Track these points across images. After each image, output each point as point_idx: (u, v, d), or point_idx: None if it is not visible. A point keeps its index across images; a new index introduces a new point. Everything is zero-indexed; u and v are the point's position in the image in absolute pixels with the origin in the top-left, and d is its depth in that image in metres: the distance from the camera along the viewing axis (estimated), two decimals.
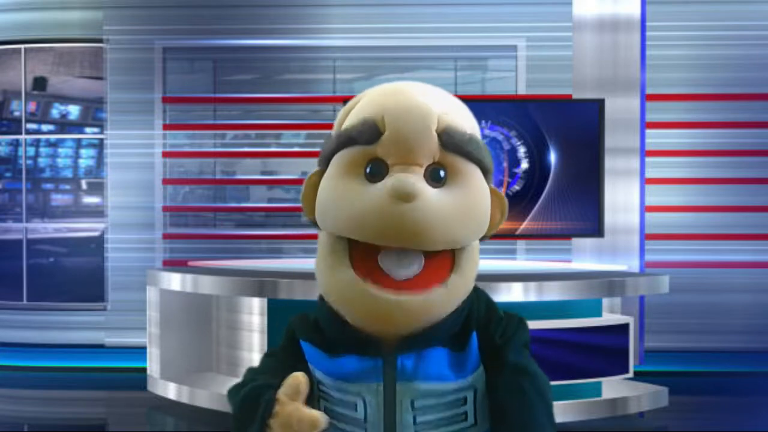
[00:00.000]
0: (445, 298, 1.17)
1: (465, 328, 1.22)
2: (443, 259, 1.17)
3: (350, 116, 1.22)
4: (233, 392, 1.24)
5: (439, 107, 1.18)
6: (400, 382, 1.20)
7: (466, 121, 1.21)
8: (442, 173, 1.16)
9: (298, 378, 1.07)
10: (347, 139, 1.18)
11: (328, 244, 1.19)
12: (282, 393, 1.08)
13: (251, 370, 1.30)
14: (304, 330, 1.27)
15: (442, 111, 1.18)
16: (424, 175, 1.15)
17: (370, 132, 1.16)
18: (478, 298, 1.26)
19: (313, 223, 1.24)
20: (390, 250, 1.14)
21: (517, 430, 1.18)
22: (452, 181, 1.17)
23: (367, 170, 1.16)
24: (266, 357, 1.33)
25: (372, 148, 1.16)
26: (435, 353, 1.20)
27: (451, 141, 1.16)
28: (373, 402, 1.21)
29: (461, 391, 1.22)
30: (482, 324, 1.23)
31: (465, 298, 1.23)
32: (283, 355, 1.30)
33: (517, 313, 1.28)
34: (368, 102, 1.21)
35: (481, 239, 1.25)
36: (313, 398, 1.26)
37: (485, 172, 1.23)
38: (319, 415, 1.06)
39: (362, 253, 1.16)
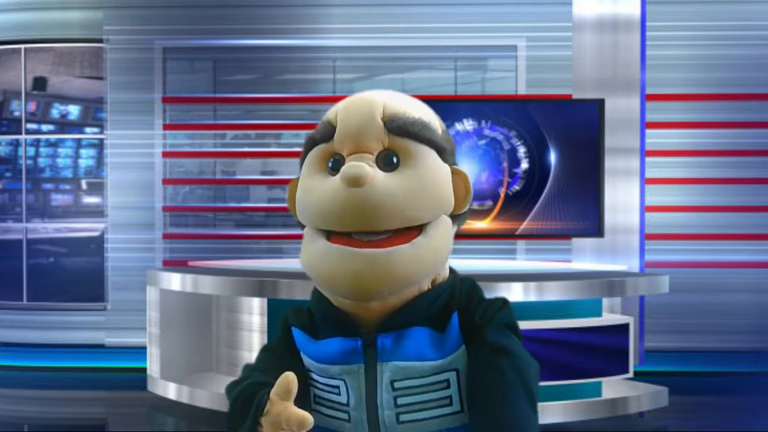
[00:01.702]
0: (410, 255, 1.20)
1: (446, 309, 1.25)
2: (411, 232, 1.23)
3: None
4: (230, 389, 1.27)
5: (387, 99, 1.26)
6: (380, 362, 1.24)
7: (414, 110, 1.27)
8: (394, 158, 1.23)
9: (288, 378, 1.10)
10: (311, 141, 1.30)
11: (308, 235, 1.28)
12: (273, 393, 1.11)
13: (247, 367, 1.34)
14: (296, 317, 1.34)
15: (387, 102, 1.26)
16: (376, 161, 1.23)
17: (325, 130, 1.27)
18: (461, 283, 1.30)
19: (300, 224, 1.32)
20: (359, 235, 1.21)
21: (492, 407, 1.18)
22: (405, 164, 1.23)
23: (330, 165, 1.26)
24: (263, 352, 1.37)
25: (330, 145, 1.26)
26: (415, 332, 1.23)
27: (395, 125, 1.23)
28: (354, 384, 1.25)
29: (442, 372, 1.23)
30: (463, 305, 1.26)
31: (447, 279, 1.28)
32: (279, 347, 1.34)
33: (502, 297, 1.30)
34: (333, 107, 1.31)
35: (455, 220, 1.30)
36: (307, 392, 1.30)
37: (441, 152, 1.27)
38: (305, 415, 1.10)
39: (338, 236, 1.23)
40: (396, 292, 1.21)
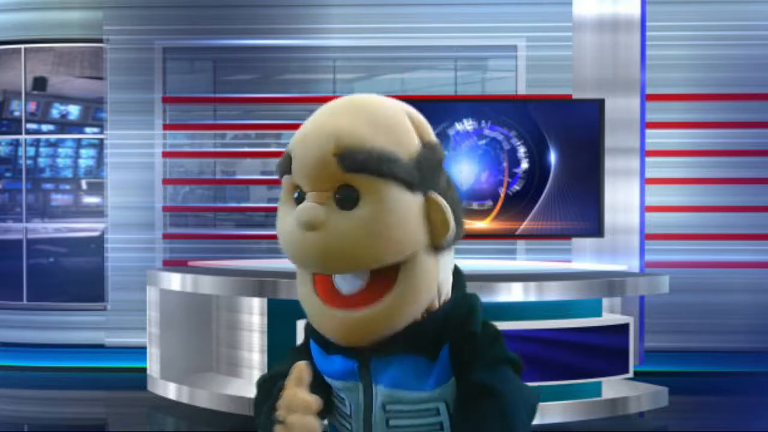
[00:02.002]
0: (386, 314, 1.17)
1: (438, 338, 1.21)
2: (388, 275, 1.17)
3: None
4: (259, 380, 1.36)
5: (342, 130, 1.15)
6: (374, 384, 1.26)
7: (377, 137, 1.15)
8: (355, 194, 1.14)
9: (300, 366, 1.17)
10: (277, 170, 1.24)
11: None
12: (288, 380, 1.18)
13: (276, 364, 1.40)
14: (311, 328, 1.33)
15: (342, 131, 1.15)
16: (335, 198, 1.15)
17: (285, 162, 1.21)
18: (458, 306, 1.24)
19: None
20: None
21: None
22: (364, 201, 1.14)
23: (295, 196, 1.21)
24: (290, 350, 1.42)
25: (291, 177, 1.20)
26: (405, 360, 1.21)
27: (348, 162, 1.13)
28: (354, 401, 1.28)
29: (431, 402, 1.22)
30: (455, 337, 1.21)
31: (444, 307, 1.23)
32: (303, 349, 1.38)
33: (495, 327, 1.24)
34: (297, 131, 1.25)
35: (440, 249, 1.20)
36: (328, 387, 1.34)
37: (407, 184, 1.15)
38: (312, 399, 1.15)
39: (320, 274, 1.23)
40: (380, 340, 1.20)
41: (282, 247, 1.23)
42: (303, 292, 1.25)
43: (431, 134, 1.23)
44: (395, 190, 1.14)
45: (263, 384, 1.33)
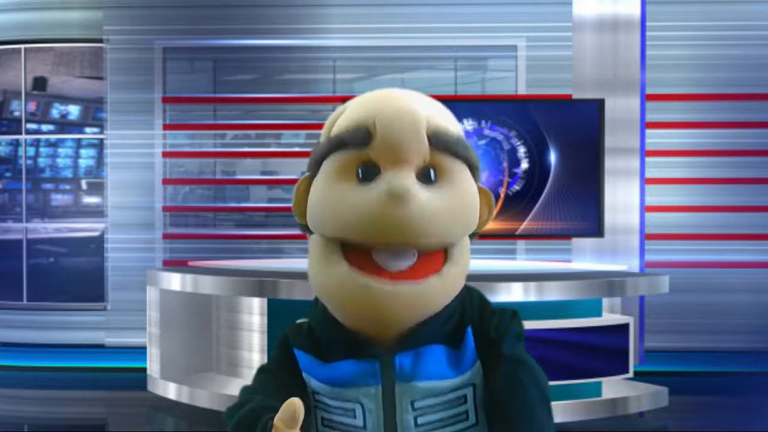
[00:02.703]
0: (439, 288, 1.19)
1: (459, 324, 1.24)
2: (436, 255, 1.20)
3: (339, 121, 1.24)
4: (230, 413, 1.23)
5: (427, 111, 1.22)
6: (399, 383, 1.21)
7: (451, 124, 1.25)
8: (432, 174, 1.20)
9: (294, 404, 1.05)
10: (339, 143, 1.20)
11: (321, 246, 1.21)
12: (278, 419, 1.06)
13: (246, 389, 1.28)
14: (298, 338, 1.29)
15: (429, 114, 1.22)
16: (416, 176, 1.18)
17: (361, 135, 1.18)
18: (470, 296, 1.28)
19: (305, 228, 1.26)
20: (381, 251, 1.17)
21: (514, 419, 1.19)
22: (442, 181, 1.20)
23: (359, 173, 1.18)
24: (260, 373, 1.32)
25: (364, 151, 1.18)
26: (432, 351, 1.22)
27: (440, 142, 1.20)
28: (372, 407, 1.22)
29: (460, 389, 1.23)
30: (476, 319, 1.25)
31: (457, 296, 1.25)
32: (277, 369, 1.29)
33: (510, 308, 1.30)
34: (358, 107, 1.23)
35: (471, 236, 1.28)
36: (310, 415, 1.26)
37: (473, 171, 1.26)
38: None
39: (355, 252, 1.18)
40: (422, 319, 1.20)
41: (347, 223, 1.16)
42: (336, 270, 1.17)
43: None
44: (467, 175, 1.24)
45: (242, 421, 1.19)
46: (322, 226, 1.20)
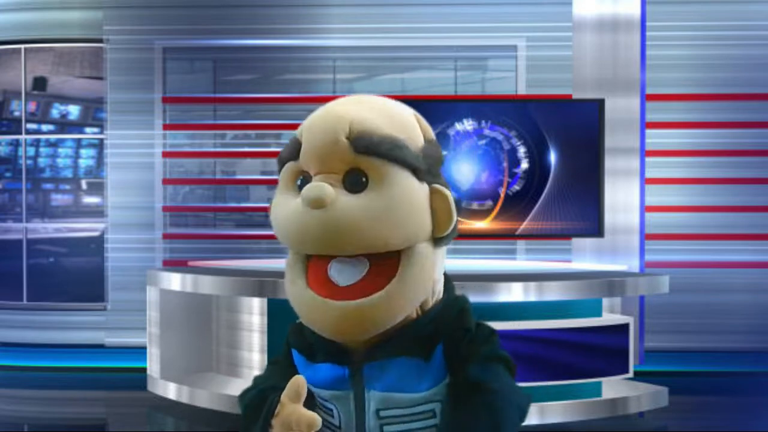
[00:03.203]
0: (385, 304, 1.16)
1: (433, 336, 1.22)
2: (388, 267, 1.18)
3: None
4: (242, 395, 1.29)
5: (356, 115, 1.18)
6: (367, 390, 1.22)
7: (388, 126, 1.19)
8: (363, 179, 1.16)
9: (298, 381, 1.11)
10: (280, 159, 1.25)
11: (289, 262, 1.25)
12: (284, 395, 1.12)
13: (257, 378, 1.34)
14: (294, 337, 1.31)
15: (356, 117, 1.18)
16: (343, 181, 1.17)
17: (292, 148, 1.22)
18: (450, 308, 1.25)
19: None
20: (336, 260, 1.18)
21: None
22: (373, 185, 1.16)
23: (298, 183, 1.21)
24: (270, 364, 1.37)
25: (298, 163, 1.21)
26: (399, 363, 1.21)
27: (361, 144, 1.16)
28: (344, 410, 1.25)
29: (427, 403, 1.22)
30: (449, 334, 1.21)
31: (436, 303, 1.23)
32: (285, 361, 1.34)
33: (490, 326, 1.25)
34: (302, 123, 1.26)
35: (440, 242, 1.22)
36: (314, 401, 1.30)
37: (415, 172, 1.19)
38: (314, 416, 1.11)
39: (315, 265, 1.20)
40: (373, 334, 1.19)
41: (281, 232, 1.21)
42: (295, 288, 1.22)
43: (432, 134, 1.27)
44: (404, 176, 1.17)
45: (252, 400, 1.25)
46: (279, 238, 1.24)
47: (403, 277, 1.17)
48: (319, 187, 1.14)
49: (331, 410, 1.26)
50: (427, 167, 1.20)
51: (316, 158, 1.18)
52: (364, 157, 1.16)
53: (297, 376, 1.12)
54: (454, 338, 1.21)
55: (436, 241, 1.22)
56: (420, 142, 1.22)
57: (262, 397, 1.22)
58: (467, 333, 1.22)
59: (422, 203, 1.19)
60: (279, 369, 1.32)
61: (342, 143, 1.16)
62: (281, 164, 1.25)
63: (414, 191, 1.18)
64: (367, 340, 1.20)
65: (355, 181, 1.16)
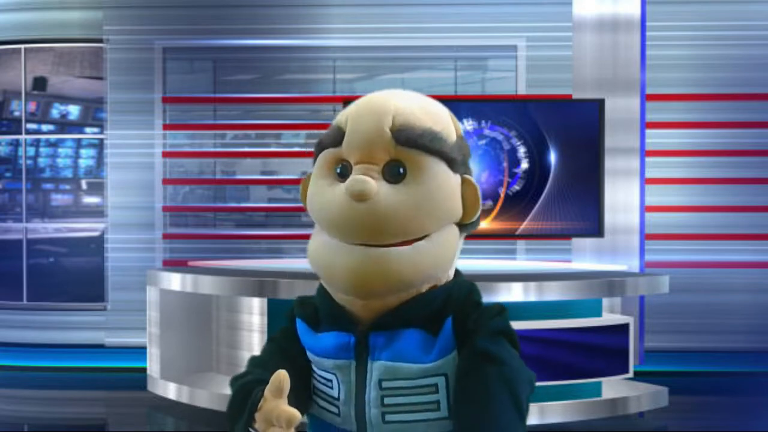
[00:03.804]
0: (410, 257, 1.21)
1: (441, 312, 1.25)
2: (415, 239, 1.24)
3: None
4: (232, 382, 1.32)
5: (398, 107, 1.25)
6: (370, 360, 1.25)
7: (424, 120, 1.26)
8: (401, 170, 1.22)
9: (279, 377, 1.13)
10: (320, 144, 1.29)
11: (317, 228, 1.30)
12: (267, 390, 1.14)
13: (252, 361, 1.36)
14: (301, 307, 1.35)
15: (399, 109, 1.24)
16: (383, 172, 1.22)
17: (334, 135, 1.26)
18: (458, 286, 1.29)
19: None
20: None
21: (474, 414, 1.17)
22: (411, 176, 1.22)
23: (337, 171, 1.26)
24: (268, 342, 1.39)
25: (339, 150, 1.25)
26: (407, 333, 1.23)
27: (403, 136, 1.22)
28: (345, 379, 1.27)
29: (430, 376, 1.23)
30: (459, 308, 1.25)
31: (445, 283, 1.27)
32: (284, 339, 1.36)
33: (500, 304, 1.28)
34: (344, 110, 1.30)
35: (464, 229, 1.30)
36: (309, 382, 1.33)
37: (450, 163, 1.26)
38: (294, 413, 1.12)
39: None
40: (392, 292, 1.22)
41: (321, 218, 1.25)
42: (319, 239, 1.26)
43: (462, 131, 1.35)
44: (441, 168, 1.24)
45: (239, 390, 1.27)
46: (313, 217, 1.29)
47: (432, 241, 1.23)
48: (363, 181, 1.19)
49: (330, 381, 1.28)
50: (461, 159, 1.28)
51: (360, 148, 1.23)
52: (405, 149, 1.22)
53: (279, 371, 1.13)
54: (464, 312, 1.25)
55: (461, 227, 1.29)
56: (454, 136, 1.29)
57: (250, 388, 1.24)
58: (476, 306, 1.26)
59: (455, 192, 1.26)
60: (275, 347, 1.35)
61: (385, 134, 1.22)
62: (320, 149, 1.29)
63: (449, 181, 1.25)
64: (376, 308, 1.24)
65: (395, 172, 1.22)
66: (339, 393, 1.28)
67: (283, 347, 1.34)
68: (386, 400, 1.24)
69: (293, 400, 1.15)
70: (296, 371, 1.26)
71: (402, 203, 1.20)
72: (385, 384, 1.24)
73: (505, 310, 1.27)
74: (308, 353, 1.32)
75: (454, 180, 1.26)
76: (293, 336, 1.34)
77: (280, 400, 1.13)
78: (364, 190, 1.18)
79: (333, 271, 1.23)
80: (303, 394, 1.31)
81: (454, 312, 1.24)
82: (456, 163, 1.26)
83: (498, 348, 1.21)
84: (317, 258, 1.26)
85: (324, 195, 1.25)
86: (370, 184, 1.19)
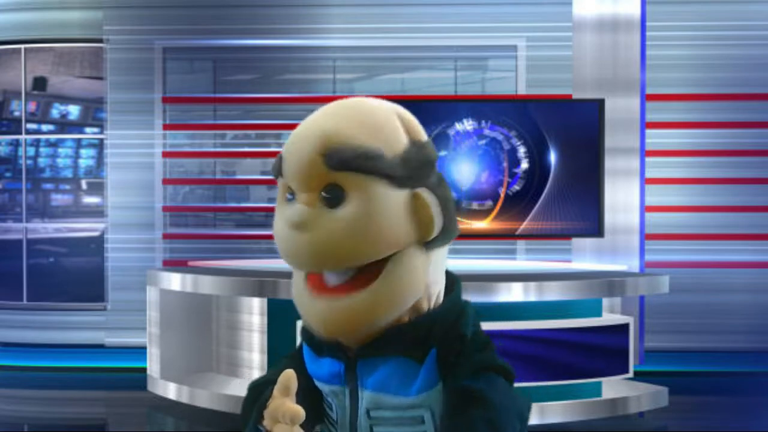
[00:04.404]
0: (368, 302, 1.17)
1: (427, 341, 1.20)
2: (376, 270, 1.18)
3: None
4: (250, 386, 1.34)
5: (326, 128, 1.18)
6: (359, 388, 1.24)
7: (363, 136, 1.17)
8: (341, 194, 1.16)
9: (287, 375, 1.13)
10: (273, 172, 1.27)
11: None
12: (275, 389, 1.15)
13: (271, 369, 1.37)
14: (304, 330, 1.33)
15: (328, 131, 1.17)
16: (322, 198, 1.17)
17: (277, 165, 1.24)
18: (447, 312, 1.23)
19: None
20: None
21: None
22: (351, 198, 1.15)
23: (288, 198, 1.23)
24: (284, 358, 1.40)
25: (284, 179, 1.23)
26: (392, 362, 1.20)
27: (334, 160, 1.15)
28: (340, 405, 1.27)
29: (416, 408, 1.21)
30: (442, 340, 1.20)
31: (436, 308, 1.22)
32: (297, 355, 1.37)
33: (487, 336, 1.23)
34: None
35: (431, 244, 1.20)
36: (317, 393, 1.33)
37: (392, 180, 1.16)
38: (298, 409, 1.12)
39: None
40: (364, 333, 1.19)
41: (278, 248, 1.25)
42: (296, 289, 1.26)
43: (421, 133, 1.24)
44: (380, 187, 1.15)
45: (252, 391, 1.30)
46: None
47: (387, 278, 1.17)
48: (297, 210, 1.18)
49: (331, 405, 1.29)
50: (407, 173, 1.18)
51: (295, 178, 1.20)
52: (339, 172, 1.15)
53: (287, 371, 1.14)
54: (447, 345, 1.19)
55: (427, 244, 1.20)
56: (401, 145, 1.19)
57: (260, 390, 1.25)
58: (460, 340, 1.20)
59: (401, 212, 1.17)
60: (289, 363, 1.35)
61: (316, 161, 1.16)
62: (275, 177, 1.28)
63: (390, 201, 1.16)
64: (362, 338, 1.21)
65: (333, 196, 1.16)
66: (336, 417, 1.28)
67: (295, 363, 1.34)
68: (375, 429, 1.23)
69: (308, 409, 1.15)
70: (310, 387, 1.28)
71: (340, 230, 1.15)
72: (372, 413, 1.23)
73: (491, 345, 1.22)
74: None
75: (398, 197, 1.16)
76: (302, 357, 1.35)
77: (287, 398, 1.13)
78: (297, 220, 1.17)
79: (305, 317, 1.24)
80: (317, 406, 1.32)
81: (438, 343, 1.19)
82: (399, 179, 1.16)
83: (483, 386, 1.16)
84: (294, 299, 1.27)
85: (277, 223, 1.24)
86: (303, 213, 1.17)
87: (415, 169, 1.19)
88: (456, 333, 1.20)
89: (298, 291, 1.25)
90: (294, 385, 1.13)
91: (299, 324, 1.38)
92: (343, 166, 1.15)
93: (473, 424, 1.13)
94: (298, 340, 1.40)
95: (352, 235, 1.15)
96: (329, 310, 1.19)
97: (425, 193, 1.18)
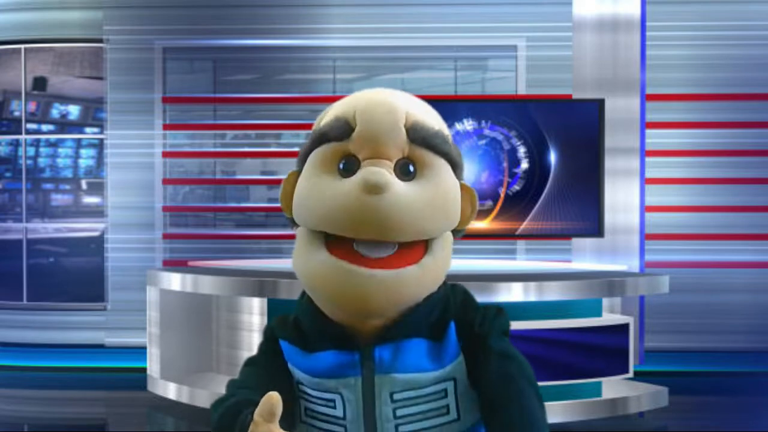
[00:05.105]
0: (418, 277, 1.19)
1: (442, 318, 1.24)
2: (414, 250, 1.20)
3: (325, 117, 1.28)
4: (215, 407, 1.26)
5: (407, 105, 1.22)
6: (378, 374, 1.22)
7: (432, 120, 1.25)
8: (411, 167, 1.20)
9: (272, 399, 1.08)
10: (321, 137, 1.23)
11: (305, 237, 1.23)
12: (257, 413, 1.09)
13: (233, 384, 1.30)
14: (283, 329, 1.30)
15: (408, 108, 1.22)
16: (394, 169, 1.19)
17: (341, 128, 1.21)
18: (453, 291, 1.29)
19: (292, 221, 1.28)
20: (364, 241, 1.18)
21: (513, 417, 1.19)
22: (421, 175, 1.20)
23: (341, 166, 1.20)
24: (246, 366, 1.33)
25: (344, 144, 1.20)
26: (412, 344, 1.22)
27: (418, 135, 1.20)
28: (351, 397, 1.23)
29: (440, 382, 1.23)
30: (460, 313, 1.25)
31: (440, 288, 1.26)
32: (264, 360, 1.31)
33: (496, 304, 1.30)
34: (342, 103, 1.26)
35: (455, 234, 1.29)
36: (296, 405, 1.29)
37: (454, 167, 1.25)
38: None
39: (338, 244, 1.19)
40: (397, 311, 1.21)
41: (323, 216, 1.18)
42: (317, 258, 1.19)
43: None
44: (447, 170, 1.24)
45: (224, 414, 1.21)
46: (306, 219, 1.22)
47: (436, 254, 1.22)
48: (380, 173, 1.16)
49: (333, 401, 1.25)
50: (461, 164, 1.28)
51: (373, 143, 1.19)
52: (418, 148, 1.20)
53: (271, 393, 1.08)
54: (467, 319, 1.25)
55: (456, 232, 1.28)
56: (451, 140, 1.28)
57: (236, 410, 1.19)
58: (479, 310, 1.26)
59: (458, 196, 1.25)
60: (257, 370, 1.29)
61: (401, 132, 1.19)
62: (319, 142, 1.24)
63: (455, 185, 1.25)
64: (378, 323, 1.22)
65: (406, 170, 1.20)
66: (345, 412, 1.24)
67: (265, 368, 1.29)
68: (398, 412, 1.23)
69: (282, 423, 1.11)
70: (282, 393, 1.17)
71: (416, 199, 1.17)
72: (396, 396, 1.22)
73: (503, 310, 1.29)
74: (302, 375, 1.27)
75: (456, 184, 1.26)
76: (274, 357, 1.29)
77: (272, 425, 1.08)
78: (381, 182, 1.14)
79: (340, 297, 1.17)
80: (291, 417, 1.28)
81: (456, 317, 1.24)
82: (458, 167, 1.26)
83: (510, 347, 1.25)
84: (317, 280, 1.19)
85: (324, 191, 1.18)
86: (387, 176, 1.16)
87: (463, 163, 1.29)
88: (471, 305, 1.27)
89: (322, 263, 1.18)
90: (279, 409, 1.08)
91: (263, 326, 1.35)
92: (424, 143, 1.21)
93: (516, 381, 1.21)
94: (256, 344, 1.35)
95: (429, 206, 1.19)
96: (379, 285, 1.16)
97: (469, 186, 1.29)
